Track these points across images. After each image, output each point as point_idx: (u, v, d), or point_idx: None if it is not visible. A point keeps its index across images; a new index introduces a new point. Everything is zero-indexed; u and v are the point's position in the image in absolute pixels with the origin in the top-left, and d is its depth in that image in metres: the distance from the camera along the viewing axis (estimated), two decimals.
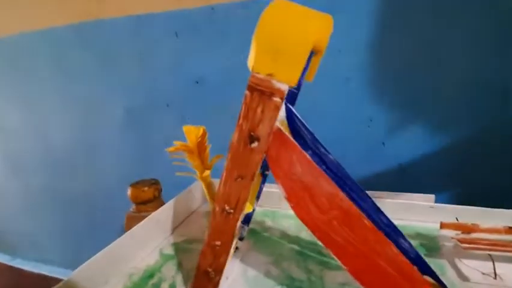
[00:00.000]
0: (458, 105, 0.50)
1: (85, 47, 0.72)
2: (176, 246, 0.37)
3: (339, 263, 0.33)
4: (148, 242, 0.36)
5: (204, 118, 0.65)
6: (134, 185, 0.49)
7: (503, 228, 0.30)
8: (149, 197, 0.49)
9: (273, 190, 0.43)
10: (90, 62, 0.72)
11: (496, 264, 0.28)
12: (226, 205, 0.23)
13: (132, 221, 0.48)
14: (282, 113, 0.26)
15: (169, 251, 0.36)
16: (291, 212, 0.22)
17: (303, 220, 0.21)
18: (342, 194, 0.20)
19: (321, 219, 0.21)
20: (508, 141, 0.49)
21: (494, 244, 0.29)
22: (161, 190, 0.51)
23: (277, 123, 0.25)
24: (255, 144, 0.20)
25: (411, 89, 0.51)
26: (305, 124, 0.23)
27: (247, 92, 0.20)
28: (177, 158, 0.34)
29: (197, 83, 0.65)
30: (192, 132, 0.36)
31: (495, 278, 0.28)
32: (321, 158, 0.21)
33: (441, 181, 0.53)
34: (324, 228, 0.21)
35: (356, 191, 0.21)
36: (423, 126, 0.52)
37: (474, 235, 0.31)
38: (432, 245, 0.34)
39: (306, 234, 0.38)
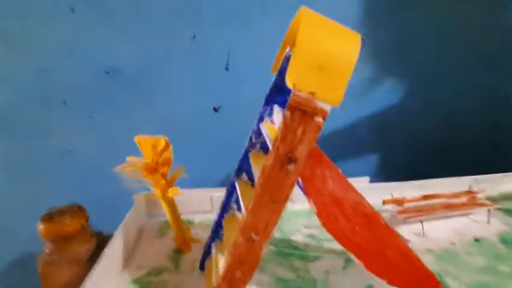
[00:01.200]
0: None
1: None
2: (142, 283, 0.31)
3: (316, 254, 0.36)
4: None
5: (119, 119, 0.54)
6: (49, 217, 0.37)
7: (421, 197, 0.41)
8: (74, 230, 0.38)
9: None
10: None
11: (425, 224, 0.38)
12: (253, 233, 0.21)
13: (52, 266, 0.37)
14: (280, 119, 0.25)
15: None
16: None
17: (330, 231, 0.22)
18: (365, 201, 0.22)
19: (347, 227, 0.22)
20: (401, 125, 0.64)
21: (421, 210, 0.39)
22: (88, 218, 0.41)
23: None
24: (291, 167, 0.19)
25: None
26: None
27: (287, 112, 0.18)
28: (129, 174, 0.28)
29: (107, 73, 0.52)
30: (149, 145, 0.30)
31: (423, 236, 0.37)
32: None
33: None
34: (348, 234, 0.22)
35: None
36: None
37: (407, 205, 0.40)
38: None
39: (277, 233, 0.39)
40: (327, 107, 0.18)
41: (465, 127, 0.66)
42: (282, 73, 0.24)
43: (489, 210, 0.39)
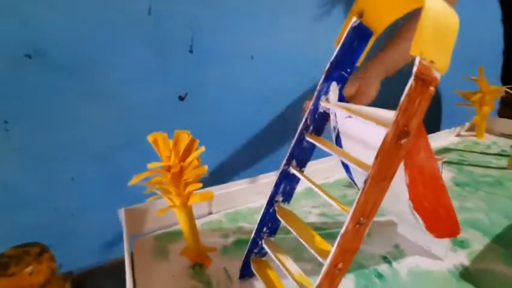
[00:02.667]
0: None
1: None
2: None
3: (338, 229, 0.37)
4: None
5: (49, 121, 0.41)
6: (2, 270, 0.25)
7: None
8: (42, 279, 0.27)
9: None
10: None
11: None
12: (361, 217, 0.19)
13: None
14: (336, 97, 0.24)
15: None
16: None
17: (412, 200, 0.23)
18: (436, 165, 0.23)
19: (423, 194, 0.23)
20: None
21: None
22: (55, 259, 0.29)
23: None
24: (404, 140, 0.18)
25: None
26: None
27: (412, 82, 0.17)
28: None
29: (29, 57, 0.38)
30: (167, 144, 0.24)
31: None
32: None
33: None
34: (421, 200, 0.23)
35: None
36: None
37: None
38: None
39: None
40: (439, 76, 0.18)
41: None
42: (345, 45, 0.23)
43: (441, 164, 0.49)
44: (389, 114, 0.19)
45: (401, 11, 0.21)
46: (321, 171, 0.47)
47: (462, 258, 0.31)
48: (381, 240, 0.34)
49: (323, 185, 0.46)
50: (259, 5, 0.51)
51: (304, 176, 0.24)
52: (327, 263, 0.20)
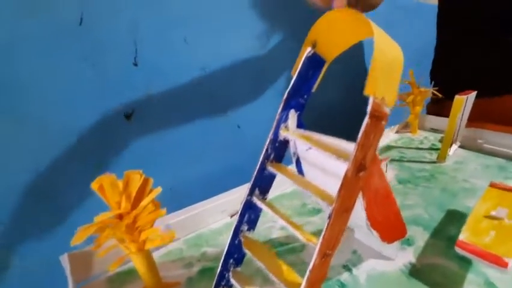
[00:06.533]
0: None
1: None
2: None
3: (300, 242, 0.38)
4: None
5: None
6: None
7: None
8: None
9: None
10: None
11: None
12: (327, 250, 0.20)
13: None
14: (295, 124, 0.24)
15: None
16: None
17: (369, 219, 0.24)
18: (387, 182, 0.25)
19: (377, 211, 0.25)
20: None
21: None
22: None
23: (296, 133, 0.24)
24: (363, 173, 0.19)
25: None
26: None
27: (368, 120, 0.17)
28: None
29: None
30: (116, 189, 0.22)
31: None
32: None
33: None
34: (376, 216, 0.25)
35: None
36: None
37: None
38: None
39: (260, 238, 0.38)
40: (389, 110, 0.19)
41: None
42: (302, 74, 0.23)
43: (386, 164, 0.53)
44: (348, 146, 0.19)
45: (351, 42, 0.22)
46: (279, 182, 0.47)
47: (409, 256, 0.34)
48: (341, 247, 0.36)
49: (282, 196, 0.47)
50: (209, 13, 0.49)
51: (267, 205, 0.24)
52: None
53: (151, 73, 0.45)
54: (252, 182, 0.24)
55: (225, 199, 0.41)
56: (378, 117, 0.18)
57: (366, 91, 0.17)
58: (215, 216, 0.40)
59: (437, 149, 0.62)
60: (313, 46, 0.22)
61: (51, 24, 0.36)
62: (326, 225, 0.19)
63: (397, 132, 0.72)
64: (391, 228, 0.29)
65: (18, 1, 0.33)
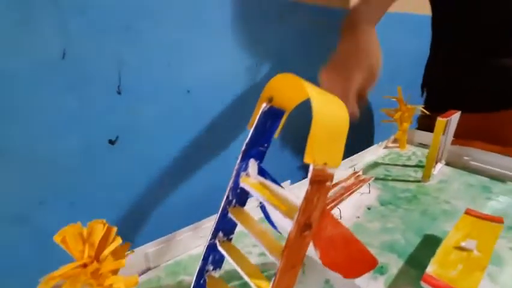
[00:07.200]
0: None
1: None
2: None
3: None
4: None
5: None
6: None
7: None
8: None
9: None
10: None
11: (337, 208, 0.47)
12: None
13: None
14: (256, 171, 0.25)
15: None
16: None
17: (325, 264, 0.25)
18: (345, 228, 0.26)
19: (335, 255, 0.25)
20: None
21: (334, 199, 0.48)
22: None
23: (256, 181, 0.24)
24: (309, 231, 0.20)
25: None
26: (270, 174, 0.25)
27: (308, 187, 0.18)
28: None
29: None
30: (78, 240, 0.23)
31: (340, 219, 0.47)
32: None
33: None
34: (334, 260, 0.26)
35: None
36: None
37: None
38: None
39: None
40: (334, 171, 0.20)
41: None
42: (259, 127, 0.23)
43: (369, 184, 0.54)
44: (299, 202, 0.20)
45: (304, 97, 0.23)
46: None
47: (380, 285, 0.35)
48: (314, 277, 0.37)
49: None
50: (191, 36, 0.50)
51: (227, 251, 0.25)
52: None
53: (134, 99, 0.46)
54: (214, 226, 0.25)
55: (207, 224, 0.42)
56: (320, 181, 0.19)
57: (305, 159, 0.18)
58: (196, 241, 0.41)
59: (423, 167, 0.63)
60: (270, 101, 0.23)
61: (35, 60, 0.37)
62: (272, 282, 0.19)
63: (386, 147, 0.73)
64: (356, 263, 0.30)
65: (3, 40, 0.35)
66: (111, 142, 0.46)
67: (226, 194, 0.25)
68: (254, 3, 0.56)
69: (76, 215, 0.45)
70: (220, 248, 0.25)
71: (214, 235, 0.26)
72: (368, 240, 0.42)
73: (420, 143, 0.73)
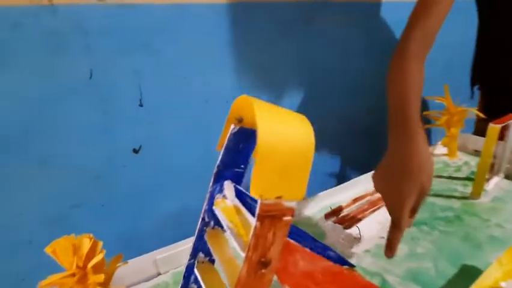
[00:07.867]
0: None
1: None
2: None
3: None
4: None
5: None
6: None
7: (351, 201, 0.46)
8: None
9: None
10: None
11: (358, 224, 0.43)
12: None
13: None
14: (233, 193, 0.23)
15: None
16: None
17: None
18: (329, 262, 0.23)
19: None
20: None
21: (355, 214, 0.44)
22: None
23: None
24: (266, 269, 0.18)
25: None
26: (251, 197, 0.23)
27: (257, 223, 0.16)
28: None
29: None
30: (69, 251, 0.24)
31: (360, 238, 0.42)
32: None
33: None
34: None
35: (298, 233, 0.24)
36: None
37: (345, 211, 0.44)
38: (317, 231, 0.44)
39: None
40: (293, 204, 0.17)
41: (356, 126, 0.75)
42: (230, 148, 0.22)
43: None
44: None
45: None
46: None
47: None
48: None
49: None
50: (207, 48, 0.50)
51: (202, 272, 0.24)
52: None
53: (155, 111, 0.49)
54: (192, 247, 0.25)
55: None
56: (274, 216, 0.17)
57: (251, 193, 0.16)
58: None
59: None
60: (240, 121, 0.22)
61: (68, 82, 0.42)
62: None
63: (432, 155, 0.63)
64: None
65: (39, 66, 0.40)
66: (135, 151, 0.49)
67: (202, 215, 0.24)
68: (271, 15, 0.54)
69: (106, 215, 0.49)
70: (195, 270, 0.24)
71: (193, 255, 0.25)
72: (389, 267, 0.37)
73: (476, 150, 0.62)
